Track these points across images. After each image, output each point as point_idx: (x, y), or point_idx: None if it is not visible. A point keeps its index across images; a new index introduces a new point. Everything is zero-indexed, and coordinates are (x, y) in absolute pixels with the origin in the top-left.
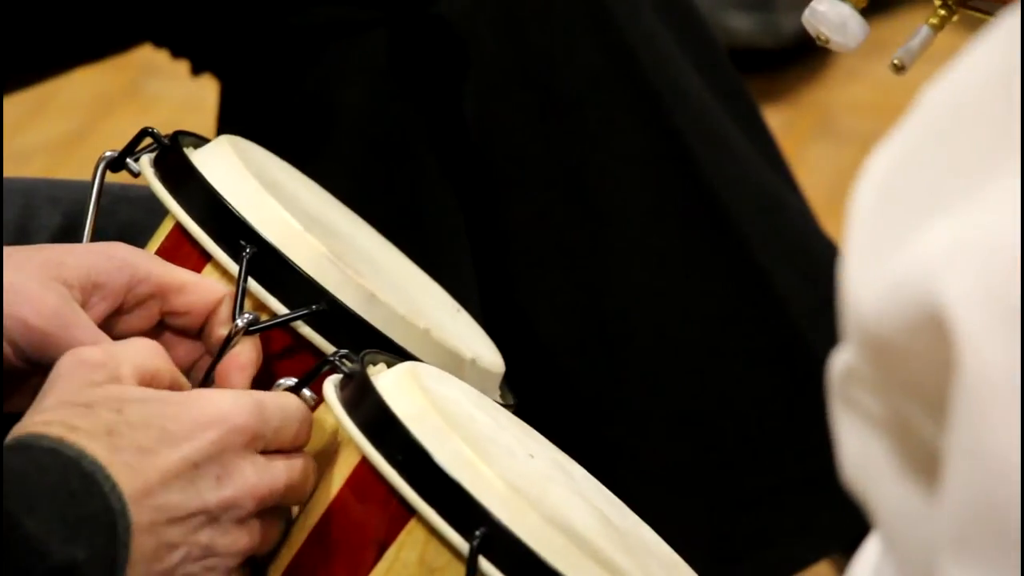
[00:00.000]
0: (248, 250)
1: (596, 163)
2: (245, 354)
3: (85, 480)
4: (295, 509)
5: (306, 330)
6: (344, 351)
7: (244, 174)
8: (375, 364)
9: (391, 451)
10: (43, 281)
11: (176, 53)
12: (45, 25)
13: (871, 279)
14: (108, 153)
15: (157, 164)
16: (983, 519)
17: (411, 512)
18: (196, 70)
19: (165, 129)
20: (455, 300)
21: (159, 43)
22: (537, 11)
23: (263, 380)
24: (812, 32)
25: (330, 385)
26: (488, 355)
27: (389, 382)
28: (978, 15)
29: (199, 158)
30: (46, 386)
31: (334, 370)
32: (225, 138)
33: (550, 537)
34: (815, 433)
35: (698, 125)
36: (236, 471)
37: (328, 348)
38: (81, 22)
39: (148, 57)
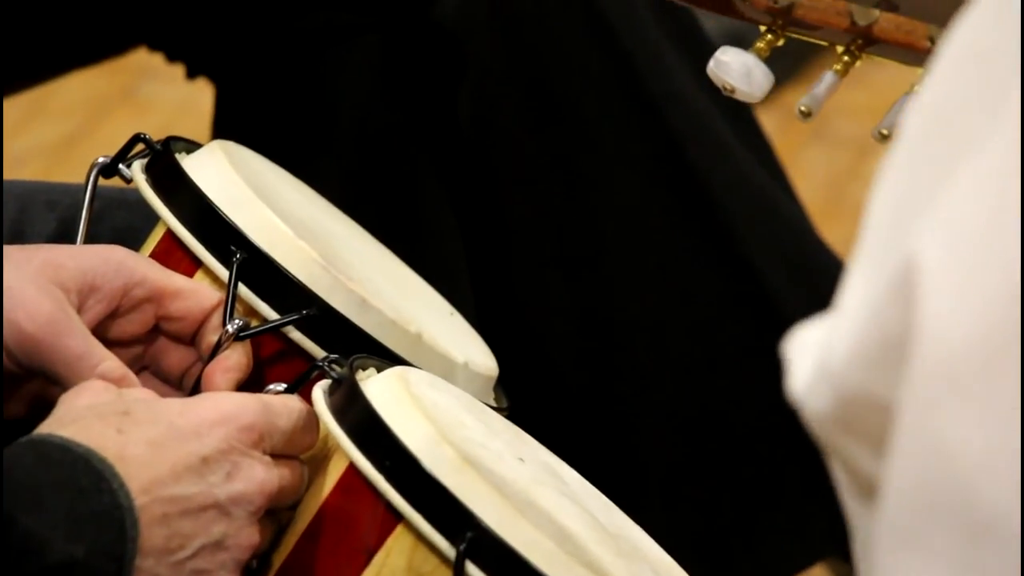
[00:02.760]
0: (238, 256)
1: (592, 166)
2: (233, 358)
3: (94, 477)
4: (285, 512)
5: (297, 335)
6: (334, 356)
7: (235, 179)
8: (365, 369)
9: (379, 457)
10: (40, 285)
11: (171, 57)
12: (41, 29)
13: (858, 299)
14: (101, 159)
15: (149, 170)
16: (929, 503)
17: (399, 518)
18: (191, 74)
19: (160, 133)
20: (450, 303)
21: (154, 47)
22: (533, 15)
23: (254, 385)
24: (718, 83)
25: (319, 390)
26: (481, 358)
27: (378, 387)
28: (884, 59)
29: (190, 164)
30: (59, 404)
31: (323, 375)
32: (217, 143)
33: (538, 542)
34: (810, 436)
35: (694, 129)
36: (246, 467)
37: (319, 353)
38: (77, 26)
39: (143, 61)
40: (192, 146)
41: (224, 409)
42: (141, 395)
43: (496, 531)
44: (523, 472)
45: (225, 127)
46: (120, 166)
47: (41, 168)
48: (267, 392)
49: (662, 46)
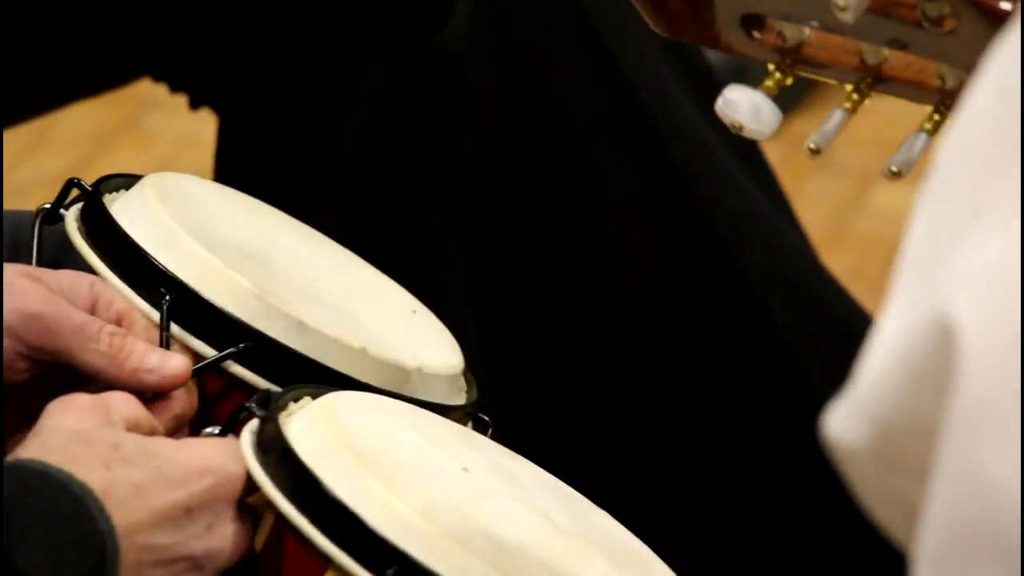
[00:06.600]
0: (167, 296)
1: (595, 198)
2: (177, 401)
3: (74, 503)
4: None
5: (238, 369)
6: (260, 394)
7: (162, 217)
8: (298, 400)
9: (301, 498)
10: (28, 277)
11: (175, 87)
12: (45, 59)
13: (893, 329)
14: (47, 205)
15: (83, 215)
16: (969, 536)
17: (328, 560)
18: (194, 104)
19: (164, 164)
20: (442, 322)
21: (158, 77)
22: (537, 47)
23: (203, 425)
24: (726, 121)
25: (247, 432)
26: (438, 358)
27: (301, 423)
28: (893, 97)
29: (120, 205)
30: (39, 422)
31: (251, 416)
32: (149, 179)
33: (470, 567)
34: (813, 468)
35: (698, 161)
36: (227, 521)
37: (263, 384)
38: (80, 56)
39: (147, 91)
40: (134, 181)
41: (210, 458)
42: (130, 435)
43: (424, 562)
44: (464, 487)
45: (228, 158)
46: (62, 211)
47: (44, 198)
48: (203, 435)
49: (666, 79)
